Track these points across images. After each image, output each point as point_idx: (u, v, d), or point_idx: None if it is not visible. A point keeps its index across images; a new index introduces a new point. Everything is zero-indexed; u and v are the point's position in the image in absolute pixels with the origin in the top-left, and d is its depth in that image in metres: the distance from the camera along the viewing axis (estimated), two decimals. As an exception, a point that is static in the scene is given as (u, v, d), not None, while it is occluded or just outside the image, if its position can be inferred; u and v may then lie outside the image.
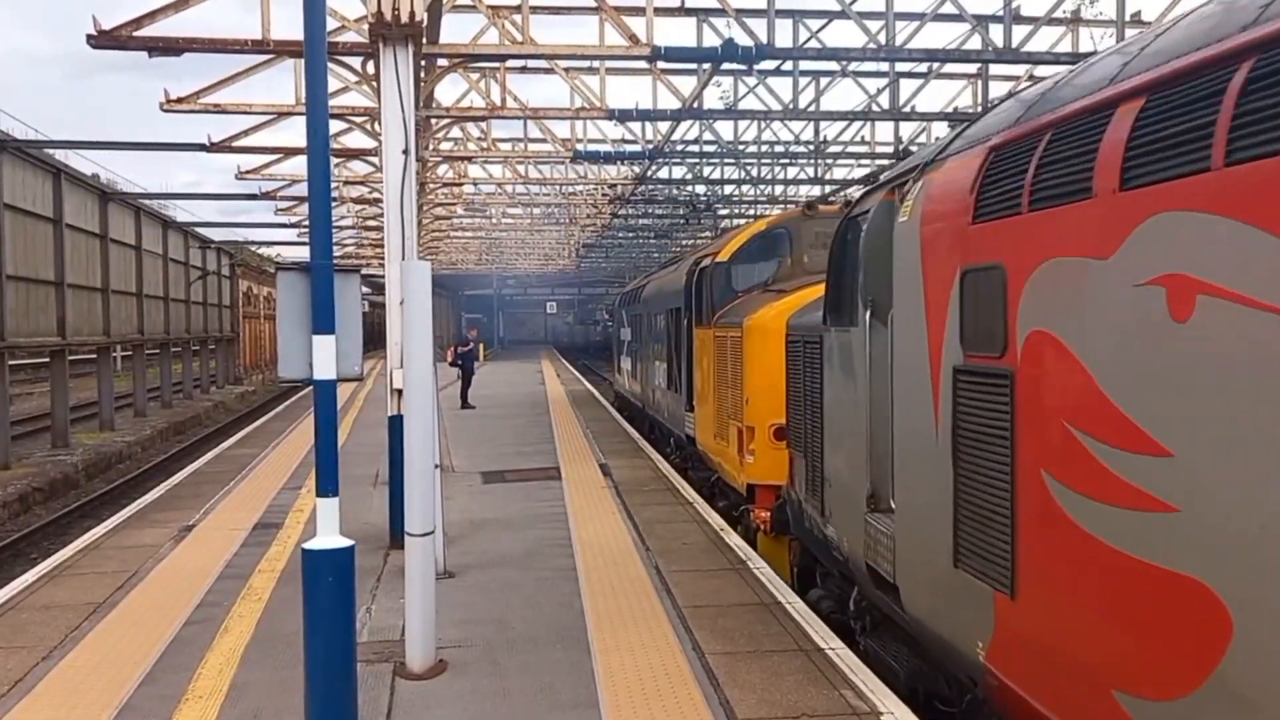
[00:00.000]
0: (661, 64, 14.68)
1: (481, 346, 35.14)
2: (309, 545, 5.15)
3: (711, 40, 14.22)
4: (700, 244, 26.66)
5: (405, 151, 9.13)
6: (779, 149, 23.29)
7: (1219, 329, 3.27)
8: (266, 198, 25.82)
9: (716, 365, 12.43)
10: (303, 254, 31.98)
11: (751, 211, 30.21)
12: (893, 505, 6.10)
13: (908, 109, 18.62)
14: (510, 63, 16.87)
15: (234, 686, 6.26)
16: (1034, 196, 4.34)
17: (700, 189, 29.67)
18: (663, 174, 26.75)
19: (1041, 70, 17.86)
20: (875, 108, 18.31)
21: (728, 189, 29.22)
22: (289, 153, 20.48)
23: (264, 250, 48.11)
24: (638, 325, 21.75)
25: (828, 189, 26.31)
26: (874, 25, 13.42)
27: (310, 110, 5.27)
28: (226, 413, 32.58)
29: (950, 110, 19.49)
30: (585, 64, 17.12)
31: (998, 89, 18.36)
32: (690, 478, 14.28)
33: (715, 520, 10.96)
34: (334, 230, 5.60)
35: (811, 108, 18.91)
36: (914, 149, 21.30)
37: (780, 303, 10.78)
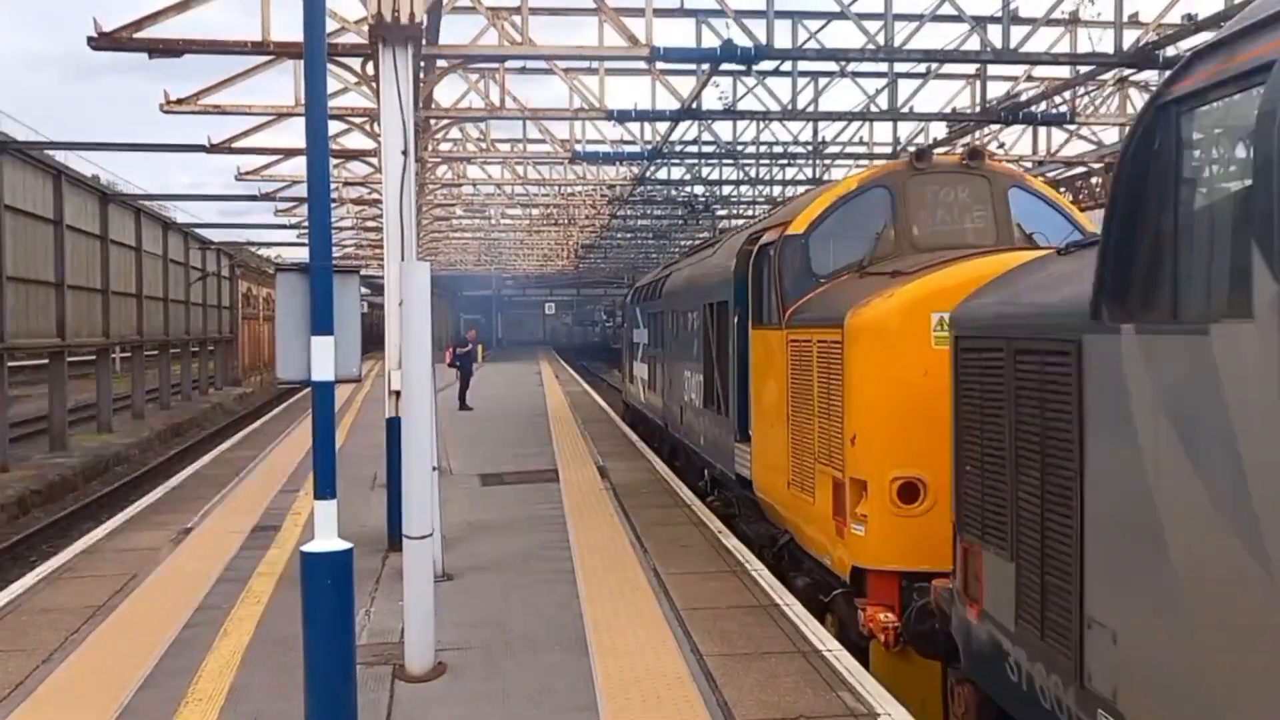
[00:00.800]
0: (660, 64, 14.70)
1: (480, 348, 35.13)
2: (307, 548, 5.15)
3: (710, 41, 14.25)
4: (699, 241, 26.27)
5: (404, 152, 9.13)
6: (777, 149, 23.31)
7: None
8: (266, 199, 25.84)
9: (792, 382, 8.77)
10: (302, 255, 31.95)
11: (750, 212, 30.16)
12: None
13: (906, 109, 18.62)
14: (509, 63, 16.90)
15: (234, 689, 6.26)
16: None
17: (699, 189, 29.67)
18: (661, 174, 26.76)
19: (1040, 71, 17.93)
20: (874, 108, 18.32)
21: (726, 189, 29.24)
22: (289, 154, 20.52)
23: (263, 251, 48.13)
24: (658, 325, 17.87)
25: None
26: (873, 26, 13.44)
27: (310, 111, 5.28)
28: (225, 414, 32.57)
29: (949, 110, 19.51)
30: (584, 64, 17.13)
31: (996, 89, 18.39)
32: (740, 532, 10.65)
33: (714, 523, 10.96)
34: (333, 231, 5.61)
35: (810, 108, 18.93)
36: (911, 150, 21.21)
37: (904, 290, 7.35)
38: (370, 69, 12.66)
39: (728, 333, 11.24)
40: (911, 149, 21.02)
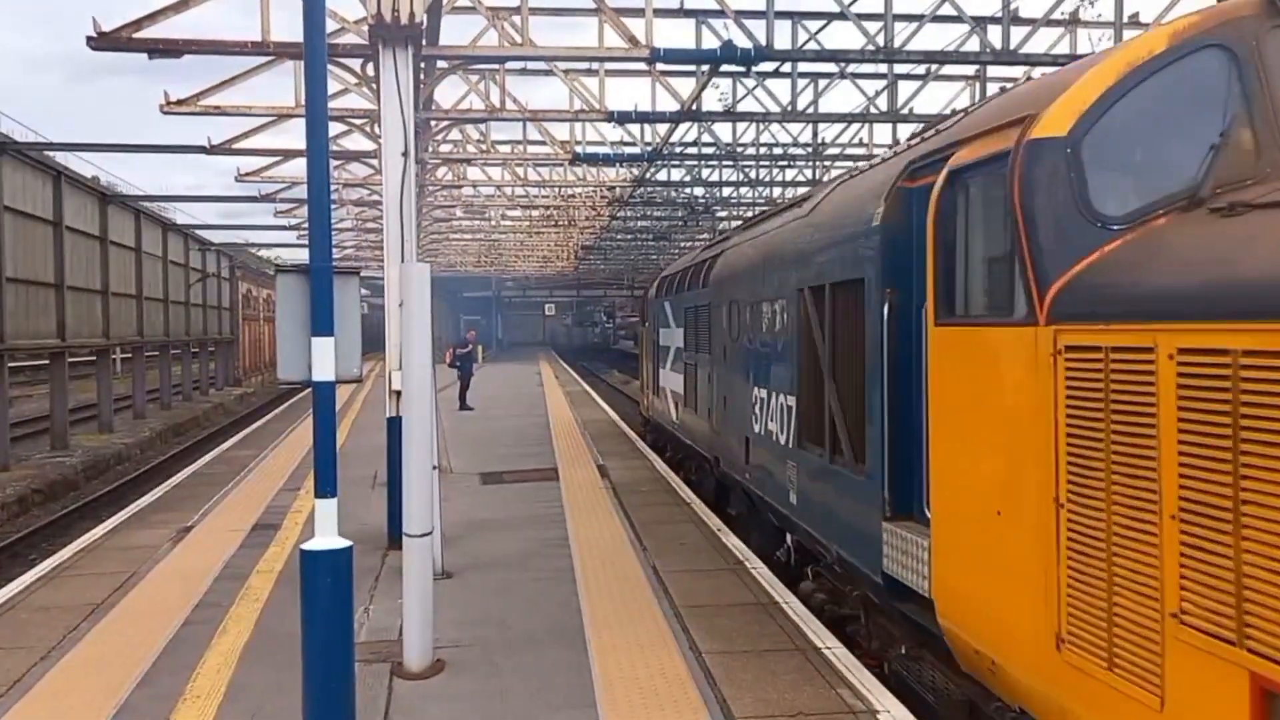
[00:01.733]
0: (660, 65, 14.72)
1: (480, 348, 35.17)
2: (307, 546, 5.17)
3: (710, 42, 14.27)
4: (695, 244, 26.20)
5: (405, 154, 9.16)
6: (777, 151, 23.34)
7: None
8: (266, 200, 25.86)
9: (1070, 434, 4.31)
10: (302, 256, 31.98)
11: (750, 214, 30.11)
12: None
13: (906, 111, 18.65)
14: (510, 65, 16.91)
15: (232, 687, 6.29)
16: None
17: (699, 191, 29.71)
18: (661, 176, 26.80)
19: (1040, 72, 17.94)
20: (873, 109, 18.35)
21: (726, 191, 29.28)
22: (289, 155, 20.52)
23: (263, 253, 48.18)
24: (703, 321, 13.40)
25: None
26: (873, 27, 13.46)
27: (310, 112, 5.30)
28: (225, 414, 32.59)
29: (949, 112, 19.54)
30: (584, 65, 17.15)
31: (996, 90, 18.40)
32: (893, 672, 6.81)
33: (713, 520, 10.97)
34: (333, 232, 5.63)
35: (810, 110, 18.95)
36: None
37: None
38: (370, 70, 12.69)
39: (863, 331, 6.78)
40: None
